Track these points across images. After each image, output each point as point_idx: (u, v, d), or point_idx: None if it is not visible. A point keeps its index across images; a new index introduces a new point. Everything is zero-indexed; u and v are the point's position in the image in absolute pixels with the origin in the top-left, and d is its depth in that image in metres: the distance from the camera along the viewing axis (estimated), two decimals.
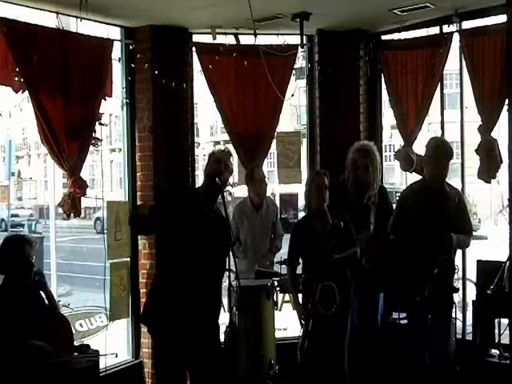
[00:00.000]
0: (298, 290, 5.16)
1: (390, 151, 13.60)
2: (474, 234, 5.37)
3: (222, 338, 5.45)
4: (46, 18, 5.46)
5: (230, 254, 4.05)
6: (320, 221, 5.00)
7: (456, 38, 6.05)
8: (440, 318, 5.03)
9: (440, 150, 5.00)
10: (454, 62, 6.19)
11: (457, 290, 5.26)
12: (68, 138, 5.37)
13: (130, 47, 6.18)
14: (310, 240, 5.03)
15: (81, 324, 6.32)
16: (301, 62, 7.17)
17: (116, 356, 5.25)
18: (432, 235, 4.84)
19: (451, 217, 4.94)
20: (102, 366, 5.18)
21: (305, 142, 6.94)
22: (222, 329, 5.41)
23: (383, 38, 6.63)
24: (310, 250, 5.01)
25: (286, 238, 7.04)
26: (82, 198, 5.52)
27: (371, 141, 6.62)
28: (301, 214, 6.83)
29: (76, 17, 5.35)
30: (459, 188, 6.24)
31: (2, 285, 4.58)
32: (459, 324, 6.07)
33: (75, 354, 4.84)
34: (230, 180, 4.57)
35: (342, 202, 5.20)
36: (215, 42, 6.37)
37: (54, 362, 4.37)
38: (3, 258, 4.57)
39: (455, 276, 5.33)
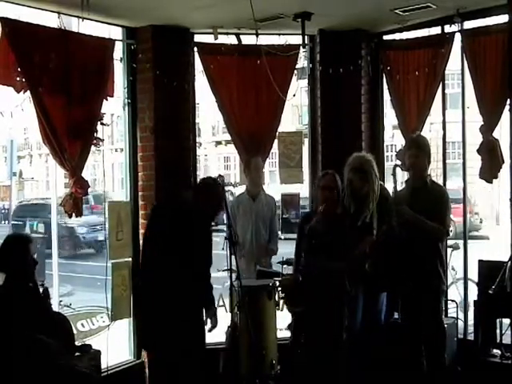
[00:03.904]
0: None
1: (391, 151, 13.58)
2: (476, 233, 5.41)
3: (223, 337, 5.48)
4: (48, 18, 5.46)
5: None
6: (325, 220, 5.02)
7: (458, 38, 6.05)
8: (429, 318, 5.09)
9: (414, 146, 5.20)
10: (455, 61, 6.19)
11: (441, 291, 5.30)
12: (70, 137, 5.37)
13: (132, 47, 6.19)
14: (308, 237, 5.06)
15: (82, 324, 6.32)
16: (302, 62, 7.15)
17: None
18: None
19: (430, 215, 5.00)
20: (103, 366, 5.19)
21: (306, 142, 6.94)
22: (224, 329, 5.44)
23: (385, 37, 6.63)
24: (307, 247, 5.05)
25: (287, 240, 7.07)
26: (84, 197, 5.53)
27: (373, 141, 6.67)
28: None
29: (78, 17, 5.36)
30: (460, 187, 6.31)
31: (4, 283, 4.58)
32: (461, 324, 6.08)
33: (77, 354, 4.85)
34: (232, 180, 4.71)
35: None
36: (217, 42, 6.37)
37: (55, 362, 4.37)
38: (7, 257, 4.56)
39: (452, 275, 5.38)
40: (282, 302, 5.98)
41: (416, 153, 5.16)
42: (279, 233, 6.83)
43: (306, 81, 6.86)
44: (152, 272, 4.56)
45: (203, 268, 4.73)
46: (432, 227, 5.06)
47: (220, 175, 5.04)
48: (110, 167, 31.04)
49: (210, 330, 4.98)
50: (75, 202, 5.45)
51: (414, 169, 5.15)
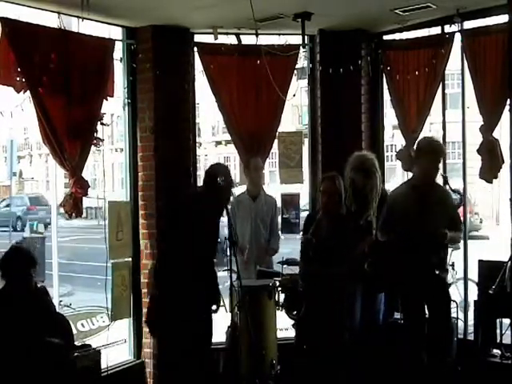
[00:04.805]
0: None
1: (391, 151, 13.56)
2: (476, 233, 5.44)
3: (223, 337, 5.49)
4: (48, 18, 5.46)
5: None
6: (327, 223, 5.04)
7: (458, 37, 6.05)
8: (438, 315, 5.09)
9: (432, 151, 5.12)
10: (455, 61, 6.19)
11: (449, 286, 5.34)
12: (69, 138, 5.37)
13: (132, 47, 6.18)
14: (309, 243, 5.08)
15: (82, 324, 6.32)
16: (302, 62, 7.16)
17: (125, 341, 5.30)
18: (419, 233, 4.94)
19: (438, 214, 5.00)
20: (103, 365, 5.19)
21: (306, 142, 6.94)
22: (224, 329, 5.44)
23: (385, 37, 6.63)
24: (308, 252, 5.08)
25: (287, 240, 7.07)
26: (84, 197, 5.53)
27: (373, 141, 6.67)
28: (302, 214, 6.84)
29: (78, 17, 5.35)
30: (461, 188, 6.30)
31: (4, 286, 4.60)
32: (461, 324, 6.08)
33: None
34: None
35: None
36: (217, 42, 6.37)
37: (55, 362, 4.38)
38: (8, 267, 4.58)
39: (452, 274, 5.40)
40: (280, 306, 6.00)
41: (434, 157, 5.12)
42: (279, 233, 6.83)
43: (306, 81, 6.85)
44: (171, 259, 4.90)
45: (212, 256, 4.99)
46: (456, 238, 5.23)
47: (220, 175, 5.04)
48: (110, 167, 31.07)
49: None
50: (75, 202, 5.44)
51: (428, 173, 5.14)
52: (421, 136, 6.32)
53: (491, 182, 6.01)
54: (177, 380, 5.08)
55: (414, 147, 5.39)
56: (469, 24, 6.01)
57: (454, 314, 5.99)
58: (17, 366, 4.25)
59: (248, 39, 6.45)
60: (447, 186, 5.17)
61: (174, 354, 4.98)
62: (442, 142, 5.38)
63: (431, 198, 5.08)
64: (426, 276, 5.04)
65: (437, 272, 5.09)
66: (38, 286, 4.70)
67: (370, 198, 5.33)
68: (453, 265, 5.92)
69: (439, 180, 5.60)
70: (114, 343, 5.06)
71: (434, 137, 5.62)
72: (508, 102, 5.61)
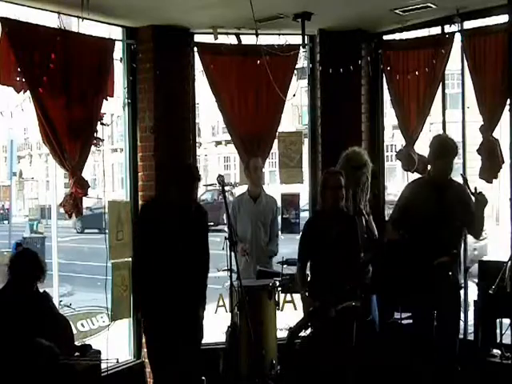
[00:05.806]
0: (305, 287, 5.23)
1: (391, 151, 13.57)
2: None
3: (223, 337, 5.49)
4: (48, 18, 5.46)
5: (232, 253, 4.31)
6: (335, 219, 5.03)
7: (458, 37, 6.05)
8: (447, 315, 5.08)
9: (446, 149, 5.07)
10: (455, 61, 6.19)
11: (461, 287, 5.31)
12: (70, 137, 5.38)
13: (132, 47, 6.19)
14: (320, 237, 5.06)
15: (82, 324, 6.32)
16: (302, 62, 7.16)
17: (117, 361, 5.29)
18: (436, 231, 4.90)
19: (456, 212, 4.98)
20: (103, 366, 5.18)
21: (306, 142, 6.94)
22: (224, 329, 5.44)
23: (385, 37, 6.63)
24: (319, 246, 5.05)
25: (287, 240, 7.07)
26: (84, 197, 5.53)
27: (373, 141, 6.68)
28: (302, 214, 6.85)
29: (78, 17, 5.35)
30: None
31: (4, 287, 4.59)
32: (461, 324, 6.07)
33: (76, 354, 4.85)
34: (232, 180, 4.76)
35: None
36: (217, 42, 6.37)
37: (55, 363, 4.38)
38: (16, 267, 4.57)
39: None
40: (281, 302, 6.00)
41: (451, 160, 5.04)
42: (279, 233, 6.82)
43: (306, 81, 6.86)
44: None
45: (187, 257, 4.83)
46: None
47: (220, 175, 5.04)
48: (109, 167, 31.10)
49: None
50: (75, 202, 5.45)
51: (445, 173, 5.08)
52: (421, 136, 6.34)
53: (491, 182, 6.00)
54: (162, 380, 5.02)
55: (428, 146, 5.26)
56: (469, 24, 6.01)
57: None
58: (4, 366, 4.24)
59: (248, 39, 6.45)
60: (468, 190, 5.11)
61: (156, 355, 4.95)
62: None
63: (451, 197, 5.03)
64: (439, 278, 4.99)
65: (450, 273, 5.07)
66: (41, 291, 4.70)
67: (366, 189, 5.40)
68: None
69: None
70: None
71: (447, 136, 5.51)
72: (508, 101, 5.61)
